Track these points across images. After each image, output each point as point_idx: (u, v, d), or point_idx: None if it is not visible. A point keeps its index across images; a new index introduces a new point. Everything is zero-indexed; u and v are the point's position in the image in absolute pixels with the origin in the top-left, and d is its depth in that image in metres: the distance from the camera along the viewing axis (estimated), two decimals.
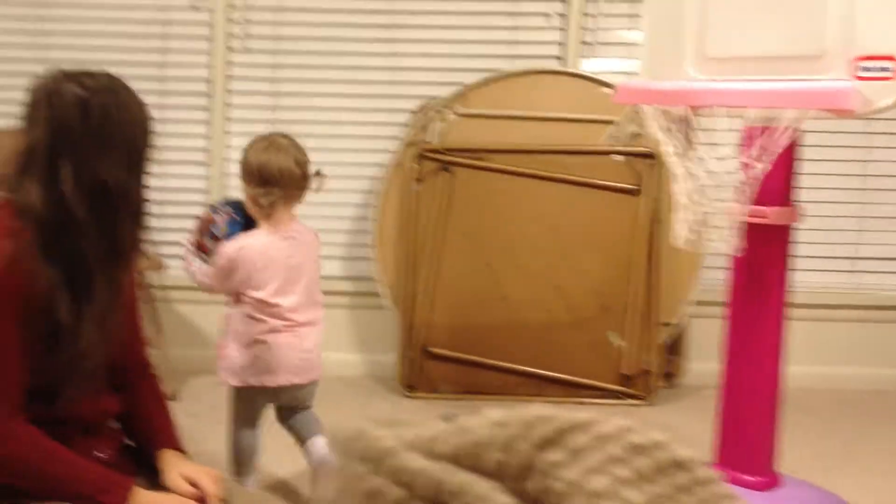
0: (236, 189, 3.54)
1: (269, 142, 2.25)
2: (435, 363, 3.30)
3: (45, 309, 1.40)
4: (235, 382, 2.27)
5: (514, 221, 3.30)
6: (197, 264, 2.32)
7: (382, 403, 3.25)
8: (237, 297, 2.25)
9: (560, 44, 3.57)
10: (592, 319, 3.29)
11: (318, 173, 2.32)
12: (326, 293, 3.53)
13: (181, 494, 1.56)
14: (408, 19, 3.57)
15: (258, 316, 2.22)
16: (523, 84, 3.41)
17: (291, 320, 2.25)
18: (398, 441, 0.58)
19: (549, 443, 0.55)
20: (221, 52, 3.54)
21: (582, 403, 3.24)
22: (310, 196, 3.46)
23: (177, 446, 1.65)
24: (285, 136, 2.30)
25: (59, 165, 1.40)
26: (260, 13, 3.56)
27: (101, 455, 1.52)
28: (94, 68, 1.49)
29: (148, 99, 3.65)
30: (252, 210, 2.26)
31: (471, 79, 3.41)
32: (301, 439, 2.37)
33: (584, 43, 3.56)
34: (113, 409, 1.60)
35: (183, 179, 3.59)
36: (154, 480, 1.58)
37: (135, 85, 3.69)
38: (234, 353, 2.25)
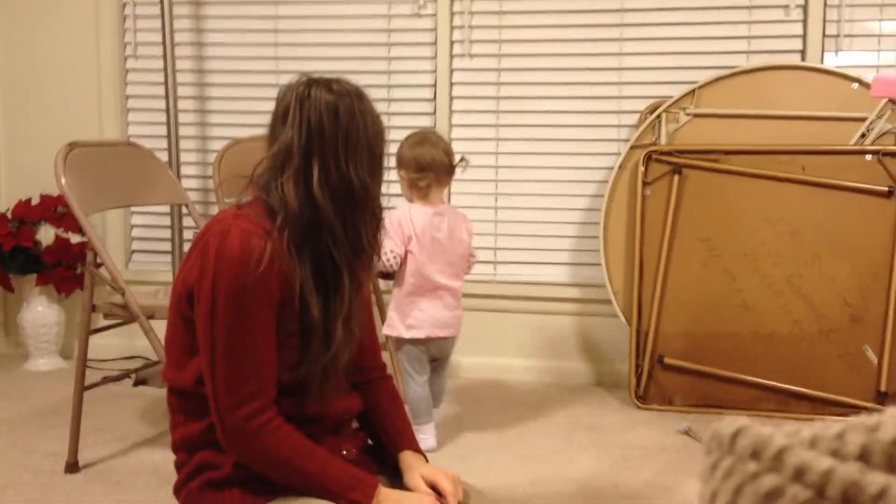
0: (459, 195, 3.57)
1: (422, 136, 2.77)
2: (669, 374, 3.17)
3: (300, 306, 1.42)
4: (391, 334, 2.76)
5: (751, 226, 3.11)
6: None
7: (614, 414, 3.14)
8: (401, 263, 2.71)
9: (801, 37, 3.36)
10: (842, 331, 3.05)
11: (462, 160, 2.80)
12: (553, 300, 3.52)
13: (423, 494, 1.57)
14: (637, 17, 3.46)
15: (409, 279, 2.70)
16: (760, 81, 3.22)
17: (434, 283, 2.71)
18: (792, 438, 0.51)
19: None
20: (445, 58, 3.55)
21: None
22: (538, 201, 3.46)
23: (415, 447, 1.65)
24: (433, 131, 2.88)
25: (312, 165, 1.42)
26: (482, 18, 3.56)
27: (347, 453, 1.53)
28: (334, 76, 1.51)
29: (376, 106, 3.77)
30: (409, 193, 2.75)
31: (703, 77, 3.26)
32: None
33: (828, 36, 3.33)
34: (356, 409, 1.60)
35: None
36: (393, 480, 1.57)
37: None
38: (392, 310, 2.75)
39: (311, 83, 1.46)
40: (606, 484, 2.51)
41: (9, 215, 3.53)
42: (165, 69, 3.49)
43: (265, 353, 1.40)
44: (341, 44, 3.62)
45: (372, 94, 3.83)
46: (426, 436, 2.73)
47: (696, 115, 3.25)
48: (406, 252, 2.70)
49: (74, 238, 3.50)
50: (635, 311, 3.19)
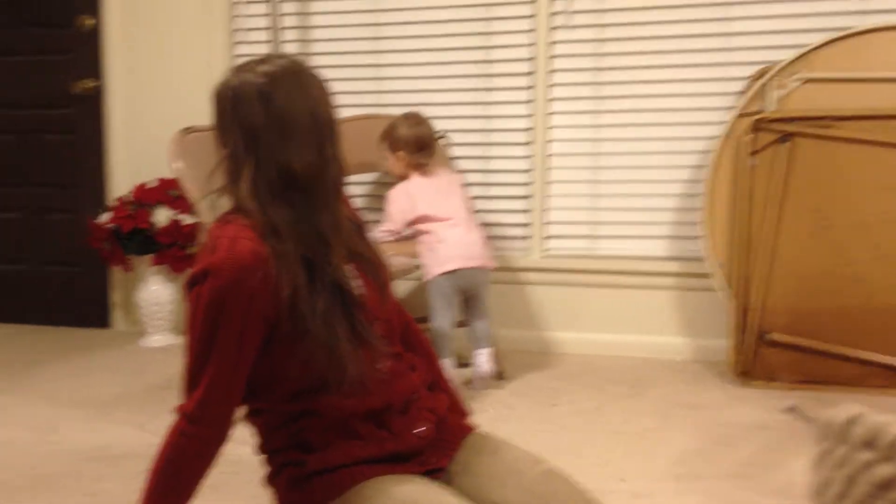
0: (557, 169, 3.53)
1: (415, 120, 3.11)
2: (773, 350, 3.05)
3: (296, 312, 1.36)
4: (429, 277, 2.99)
5: (866, 196, 2.95)
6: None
7: (714, 391, 3.05)
8: (412, 226, 3.05)
9: None
10: None
11: (442, 136, 3.29)
12: (652, 274, 3.45)
13: None
14: None
15: (428, 228, 3.01)
16: (878, 42, 3.04)
17: (450, 223, 3.01)
18: None
19: None
20: (544, 30, 3.50)
21: None
22: (637, 174, 3.38)
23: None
24: (418, 113, 3.17)
25: (257, 165, 1.38)
26: None
27: (419, 432, 1.48)
28: (272, 53, 1.45)
29: (472, 82, 3.75)
30: (406, 171, 3.09)
31: (814, 40, 3.10)
32: (473, 343, 3.10)
33: None
34: (416, 383, 1.54)
35: (507, 161, 3.61)
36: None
37: (459, 68, 3.81)
38: (426, 260, 3.01)
39: (239, 70, 1.41)
40: (703, 462, 2.44)
41: (128, 198, 3.70)
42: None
43: (224, 368, 1.36)
44: (438, 21, 3.62)
45: (469, 69, 3.83)
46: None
47: (807, 80, 3.10)
48: (415, 224, 3.04)
49: (187, 219, 3.64)
50: (739, 285, 3.08)
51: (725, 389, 3.06)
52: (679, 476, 2.36)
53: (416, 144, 3.06)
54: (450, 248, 2.99)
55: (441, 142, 3.20)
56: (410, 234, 3.09)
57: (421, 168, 3.08)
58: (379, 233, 3.05)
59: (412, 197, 3.04)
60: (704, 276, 3.25)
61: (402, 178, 3.11)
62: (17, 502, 2.29)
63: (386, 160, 3.15)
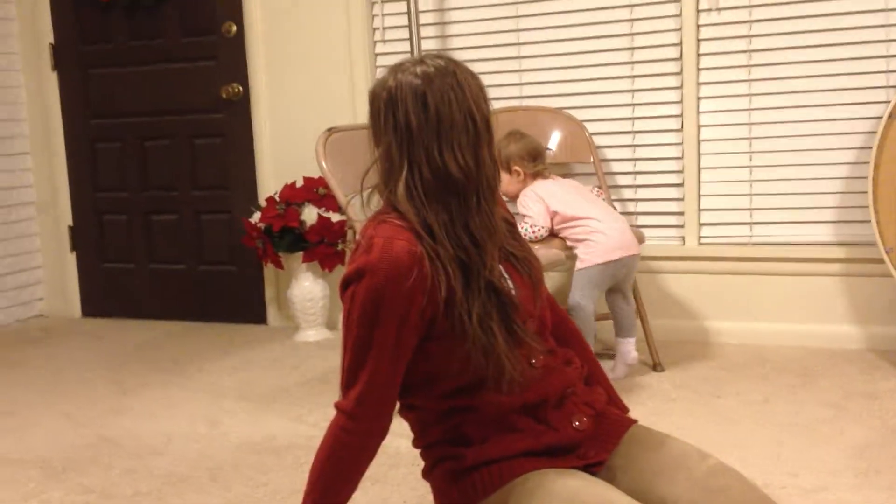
0: (710, 154, 3.44)
1: (519, 134, 3.18)
2: None
3: (452, 311, 1.37)
4: (586, 265, 2.97)
5: None
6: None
7: (890, 380, 2.92)
8: (553, 227, 3.06)
9: None
10: None
11: (547, 149, 3.39)
12: (817, 260, 3.33)
13: None
14: None
15: (572, 224, 3.03)
16: None
17: (591, 217, 3.02)
18: None
19: None
20: (691, 14, 3.41)
21: None
22: (796, 157, 3.30)
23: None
24: (518, 129, 3.22)
25: (412, 166, 1.38)
26: None
27: (580, 424, 1.47)
28: (429, 53, 1.45)
29: (619, 70, 3.68)
30: (525, 183, 3.13)
31: None
32: (617, 330, 3.12)
33: None
34: (576, 378, 1.53)
35: (656, 148, 3.53)
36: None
37: (604, 56, 3.74)
38: (583, 250, 2.99)
39: (396, 71, 1.42)
40: (884, 456, 2.33)
41: (277, 198, 3.80)
42: (412, 52, 3.60)
43: (381, 366, 1.38)
44: (581, 9, 3.57)
45: (614, 57, 3.76)
46: None
47: None
48: (552, 221, 3.05)
49: (334, 217, 3.70)
50: None
51: None
52: (857, 470, 2.26)
53: (530, 154, 3.15)
54: (610, 239, 2.99)
55: (547, 153, 3.30)
56: (551, 233, 3.09)
57: (540, 174, 3.16)
58: (526, 232, 3.05)
59: (542, 198, 3.07)
60: (876, 261, 3.11)
61: (517, 196, 3.14)
62: (188, 493, 2.37)
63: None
